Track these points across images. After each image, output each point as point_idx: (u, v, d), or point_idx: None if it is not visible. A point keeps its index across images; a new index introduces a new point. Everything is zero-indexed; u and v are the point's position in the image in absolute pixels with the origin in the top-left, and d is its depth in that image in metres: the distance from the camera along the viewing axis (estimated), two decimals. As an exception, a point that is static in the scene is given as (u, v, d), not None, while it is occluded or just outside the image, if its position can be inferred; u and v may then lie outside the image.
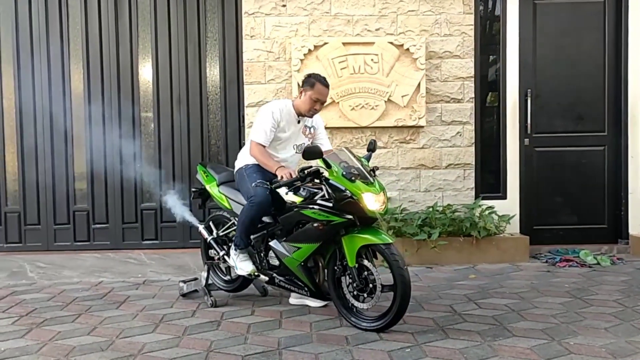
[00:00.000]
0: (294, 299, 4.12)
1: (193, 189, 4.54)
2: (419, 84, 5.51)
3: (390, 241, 3.48)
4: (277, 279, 3.93)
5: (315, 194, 3.61)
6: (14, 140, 5.75)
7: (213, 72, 5.79)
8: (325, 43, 5.47)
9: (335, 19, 5.53)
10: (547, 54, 5.82)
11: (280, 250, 3.83)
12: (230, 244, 4.16)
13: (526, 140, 5.81)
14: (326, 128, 4.56)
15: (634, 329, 3.49)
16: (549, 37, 5.82)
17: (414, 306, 3.92)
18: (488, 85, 5.94)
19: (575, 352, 3.12)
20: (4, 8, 5.67)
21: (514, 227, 5.67)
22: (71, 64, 5.72)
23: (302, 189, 3.67)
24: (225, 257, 4.18)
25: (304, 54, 5.45)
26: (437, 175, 5.64)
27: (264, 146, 3.90)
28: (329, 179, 3.52)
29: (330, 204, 3.51)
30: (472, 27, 5.61)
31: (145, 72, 5.78)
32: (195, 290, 4.38)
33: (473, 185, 5.68)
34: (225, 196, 4.20)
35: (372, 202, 3.47)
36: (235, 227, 4.03)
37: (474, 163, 5.68)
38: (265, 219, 3.97)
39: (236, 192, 4.11)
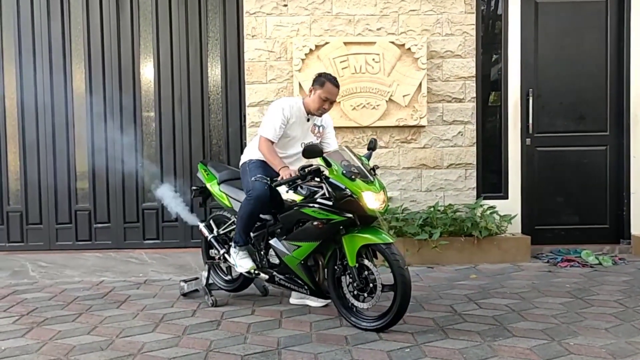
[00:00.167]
0: (295, 299, 4.13)
1: (193, 187, 4.55)
2: (420, 84, 5.50)
3: (391, 241, 3.48)
4: (277, 277, 3.93)
5: (316, 192, 3.61)
6: (15, 139, 5.75)
7: (214, 72, 5.80)
8: (327, 43, 5.47)
9: (337, 18, 5.53)
10: (549, 53, 5.81)
11: (280, 249, 3.83)
12: (230, 243, 4.16)
13: (528, 140, 5.80)
14: (328, 128, 4.56)
15: (635, 330, 3.49)
16: (551, 37, 5.80)
17: (414, 306, 3.92)
18: (490, 84, 5.93)
19: (575, 353, 3.12)
20: (6, 7, 5.68)
21: (515, 227, 5.65)
22: (73, 64, 5.73)
23: (302, 188, 3.68)
24: (226, 255, 4.18)
25: (305, 54, 5.45)
26: (439, 175, 5.63)
27: (273, 142, 3.90)
28: (329, 178, 3.52)
29: (330, 203, 3.51)
30: (474, 26, 5.60)
31: (147, 72, 5.78)
32: (196, 290, 4.38)
33: (474, 185, 5.67)
34: (226, 194, 4.20)
35: (372, 200, 3.47)
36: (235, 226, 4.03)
37: (475, 163, 5.68)
38: (266, 217, 3.97)
39: (237, 190, 4.11)
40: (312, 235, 3.63)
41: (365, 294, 3.53)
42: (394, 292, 3.44)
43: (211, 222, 4.42)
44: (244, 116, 5.65)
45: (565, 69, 5.82)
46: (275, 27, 5.51)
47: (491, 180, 5.88)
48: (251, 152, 4.09)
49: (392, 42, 5.48)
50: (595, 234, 5.86)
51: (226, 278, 4.45)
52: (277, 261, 3.91)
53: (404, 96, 5.49)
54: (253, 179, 3.83)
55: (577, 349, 3.17)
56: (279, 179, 3.70)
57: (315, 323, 3.69)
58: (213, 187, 4.33)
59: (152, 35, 5.73)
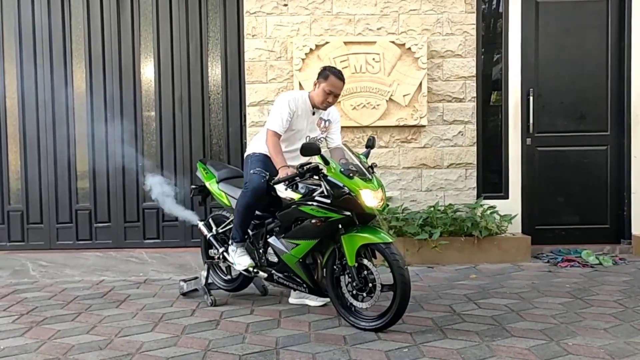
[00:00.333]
0: (294, 299, 4.13)
1: (192, 186, 4.54)
2: (420, 83, 5.50)
3: (390, 240, 3.48)
4: (276, 275, 3.93)
5: (314, 190, 3.61)
6: (16, 139, 5.76)
7: (215, 72, 5.80)
8: (327, 42, 5.46)
9: (337, 18, 5.53)
10: (550, 53, 5.80)
11: (278, 247, 3.84)
12: (229, 242, 4.16)
13: (528, 140, 5.79)
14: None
15: (634, 330, 3.48)
16: (552, 36, 5.79)
17: (413, 306, 3.92)
18: (490, 84, 5.91)
19: (573, 353, 3.11)
20: (7, 7, 5.68)
21: (515, 227, 5.65)
22: (73, 63, 5.73)
23: (301, 186, 3.68)
24: (225, 254, 4.18)
25: (306, 54, 5.44)
26: (439, 175, 5.63)
27: (279, 135, 3.90)
28: (327, 176, 3.52)
29: (329, 201, 3.51)
30: (474, 26, 5.60)
31: (147, 71, 5.79)
32: (196, 289, 4.39)
33: (475, 184, 5.67)
34: (225, 193, 4.21)
35: (370, 198, 3.46)
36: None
37: (475, 163, 5.67)
38: (264, 214, 3.97)
39: (235, 189, 4.11)
40: (310, 233, 3.64)
41: (364, 294, 3.52)
42: (393, 292, 3.43)
43: (210, 220, 4.43)
44: (244, 116, 5.65)
45: (566, 69, 5.81)
46: (275, 26, 5.51)
47: (491, 180, 5.87)
48: (255, 145, 4.11)
49: (393, 42, 5.48)
50: (596, 234, 5.85)
51: (225, 277, 4.45)
52: (275, 259, 3.92)
53: (404, 96, 5.49)
54: (252, 171, 3.87)
55: (576, 349, 3.16)
56: (277, 177, 3.70)
57: (313, 323, 3.69)
58: (212, 186, 4.34)
59: (153, 35, 5.73)
